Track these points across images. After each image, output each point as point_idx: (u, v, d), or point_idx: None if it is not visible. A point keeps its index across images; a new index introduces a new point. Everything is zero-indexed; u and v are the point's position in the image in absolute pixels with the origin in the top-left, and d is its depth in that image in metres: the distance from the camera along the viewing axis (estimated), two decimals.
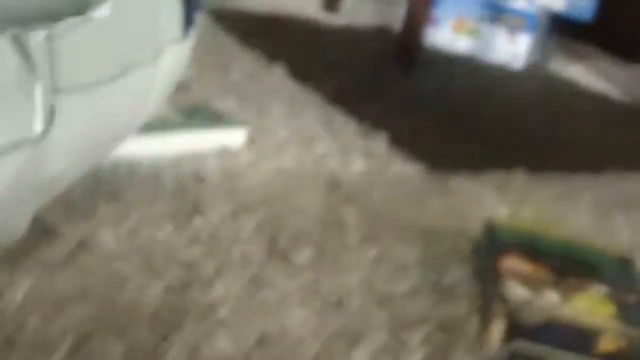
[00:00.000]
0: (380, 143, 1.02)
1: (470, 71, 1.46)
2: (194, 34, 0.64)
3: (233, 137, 0.92)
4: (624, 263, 0.83)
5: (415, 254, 0.80)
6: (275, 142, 0.95)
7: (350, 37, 1.46)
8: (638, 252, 0.87)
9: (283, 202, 0.83)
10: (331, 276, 0.72)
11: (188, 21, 0.62)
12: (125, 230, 0.71)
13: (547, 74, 1.53)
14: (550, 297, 0.73)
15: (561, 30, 1.52)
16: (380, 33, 1.51)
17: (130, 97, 0.57)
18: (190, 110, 0.93)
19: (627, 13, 1.46)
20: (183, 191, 0.80)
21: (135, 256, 0.68)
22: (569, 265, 0.80)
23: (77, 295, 0.62)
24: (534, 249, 0.81)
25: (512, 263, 0.77)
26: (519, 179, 1.04)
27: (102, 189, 0.76)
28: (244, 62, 1.20)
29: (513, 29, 1.49)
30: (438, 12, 1.49)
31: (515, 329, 0.67)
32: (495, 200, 0.97)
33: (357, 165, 0.96)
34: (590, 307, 0.73)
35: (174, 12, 0.60)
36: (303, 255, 0.74)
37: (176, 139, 0.88)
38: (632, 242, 0.93)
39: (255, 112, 1.02)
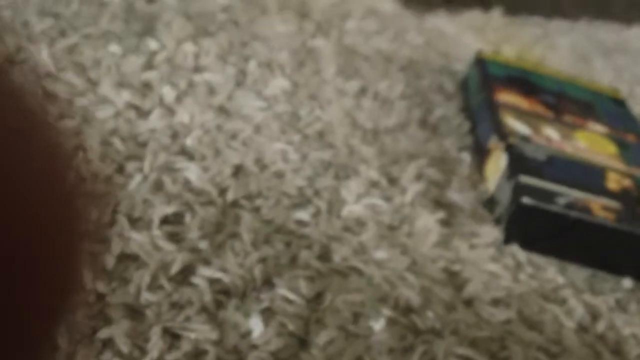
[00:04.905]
0: None
1: None
2: None
3: None
4: (617, 102, 0.77)
5: (398, 90, 0.71)
6: None
7: None
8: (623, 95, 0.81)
9: (247, 29, 0.72)
10: (309, 109, 0.63)
11: None
12: (63, 48, 0.59)
13: None
14: (550, 134, 0.66)
15: None
16: None
17: None
18: None
19: None
20: (131, 11, 0.68)
21: (76, 77, 0.57)
22: (565, 102, 0.72)
23: None
24: (528, 84, 0.73)
25: (507, 98, 0.69)
26: (496, 20, 0.96)
27: (32, 1, 0.63)
28: None
29: None
30: None
31: (517, 164, 0.60)
32: (474, 39, 0.88)
33: None
34: (591, 145, 0.67)
35: None
36: (276, 87, 0.64)
37: None
38: (614, 86, 0.86)
39: None
